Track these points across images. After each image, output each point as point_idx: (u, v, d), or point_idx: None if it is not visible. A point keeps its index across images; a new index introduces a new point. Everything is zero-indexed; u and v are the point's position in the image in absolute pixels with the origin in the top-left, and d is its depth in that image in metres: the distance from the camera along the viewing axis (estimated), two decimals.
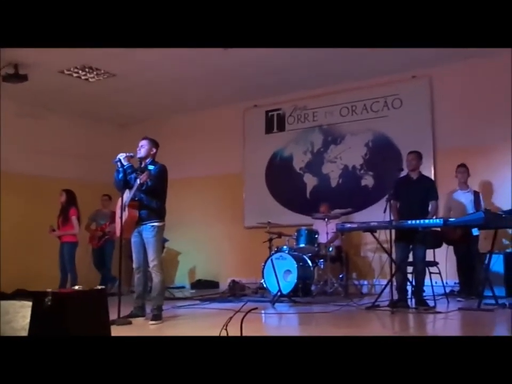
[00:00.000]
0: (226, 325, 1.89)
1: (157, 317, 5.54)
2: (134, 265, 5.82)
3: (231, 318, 1.91)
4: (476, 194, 7.48)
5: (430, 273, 6.95)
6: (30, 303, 2.67)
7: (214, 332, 4.73)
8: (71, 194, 8.40)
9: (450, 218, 6.99)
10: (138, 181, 5.45)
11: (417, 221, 6.08)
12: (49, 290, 2.53)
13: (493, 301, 6.11)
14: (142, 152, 5.82)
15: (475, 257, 7.23)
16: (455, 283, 7.70)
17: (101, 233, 9.27)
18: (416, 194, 6.46)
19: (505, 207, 7.02)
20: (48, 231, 8.37)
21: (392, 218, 6.18)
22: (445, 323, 5.46)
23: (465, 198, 7.39)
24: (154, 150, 5.87)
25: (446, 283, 7.40)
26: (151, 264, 5.65)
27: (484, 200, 7.60)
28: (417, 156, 6.60)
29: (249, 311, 2.16)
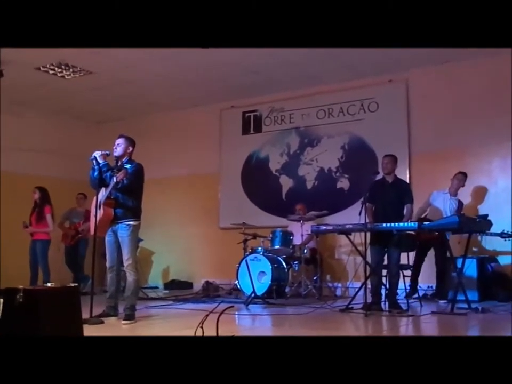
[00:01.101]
0: (202, 323, 1.86)
1: (130, 316, 5.47)
2: (108, 264, 5.74)
3: (207, 316, 1.88)
4: (459, 203, 7.55)
5: (404, 276, 6.99)
6: (1, 300, 2.60)
7: (188, 332, 4.71)
8: (45, 192, 8.32)
9: (425, 216, 7.09)
10: (114, 179, 5.38)
11: (392, 224, 6.11)
12: (20, 287, 2.47)
13: (465, 305, 6.15)
14: (118, 151, 5.74)
15: (447, 261, 7.33)
16: (428, 287, 7.76)
17: (74, 231, 9.16)
18: (391, 197, 6.49)
19: (480, 211, 7.09)
20: (22, 227, 8.26)
21: (367, 221, 6.20)
22: (418, 326, 5.48)
23: (450, 205, 7.38)
24: (130, 149, 5.80)
25: (419, 286, 7.45)
26: (125, 263, 5.58)
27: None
28: (393, 159, 6.63)
29: (225, 309, 2.13)
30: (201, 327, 1.84)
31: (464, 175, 7.45)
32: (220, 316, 1.94)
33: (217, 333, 1.91)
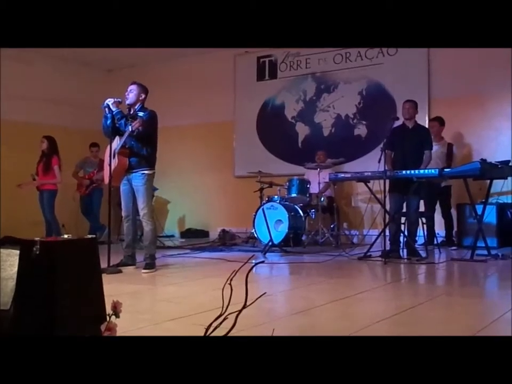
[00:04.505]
0: (231, 280, 1.78)
1: (150, 265, 5.47)
2: (123, 214, 5.70)
3: (236, 271, 1.79)
4: (449, 146, 7.40)
5: (423, 223, 6.92)
6: (17, 252, 2.55)
7: (206, 282, 4.72)
8: (53, 142, 8.11)
9: None
10: (130, 128, 5.26)
11: (412, 171, 6.00)
12: (37, 239, 2.40)
13: (485, 252, 6.08)
14: (131, 98, 5.61)
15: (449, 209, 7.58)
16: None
17: (88, 181, 9.12)
18: (411, 143, 6.34)
19: (501, 157, 6.90)
20: (30, 181, 8.18)
21: (386, 168, 6.08)
22: (438, 273, 5.43)
23: (435, 150, 6.93)
24: (143, 96, 5.67)
25: (438, 233, 7.39)
26: (141, 213, 5.54)
27: (457, 151, 7.71)
28: (414, 104, 6.46)
29: (255, 265, 2.05)
30: (230, 284, 1.76)
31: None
32: (249, 272, 1.86)
33: (246, 290, 1.84)
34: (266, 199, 8.12)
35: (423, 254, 6.30)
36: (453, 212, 7.64)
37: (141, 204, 5.52)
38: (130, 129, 5.25)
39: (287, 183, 8.13)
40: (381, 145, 6.31)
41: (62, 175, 8.18)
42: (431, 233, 7.27)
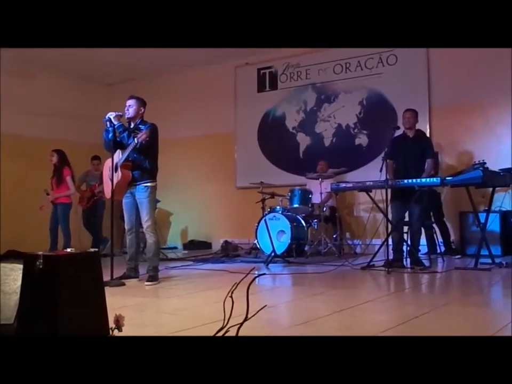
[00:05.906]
0: (232, 292, 1.78)
1: (153, 277, 5.46)
2: (126, 226, 5.69)
3: (237, 284, 1.79)
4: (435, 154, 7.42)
5: (425, 232, 6.91)
6: (21, 266, 2.55)
7: (209, 293, 4.71)
8: (63, 154, 8.21)
9: None
10: (135, 141, 5.26)
11: (414, 180, 5.99)
12: (40, 253, 2.41)
13: (489, 260, 6.06)
14: (130, 113, 5.61)
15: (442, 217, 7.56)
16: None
17: (90, 194, 9.14)
18: (413, 152, 6.34)
19: (503, 165, 6.90)
20: (46, 199, 8.18)
21: (388, 177, 6.07)
22: (442, 283, 5.42)
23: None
24: (142, 110, 5.68)
25: (441, 242, 7.38)
26: (144, 225, 5.53)
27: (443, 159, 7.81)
28: (414, 113, 6.46)
29: (256, 277, 2.05)
30: (231, 297, 1.76)
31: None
32: (250, 284, 1.86)
33: (247, 303, 1.84)
34: (269, 209, 8.12)
35: (426, 263, 6.28)
36: (445, 220, 7.66)
37: (144, 216, 5.52)
38: (136, 142, 5.24)
39: (289, 194, 8.13)
40: (382, 155, 6.31)
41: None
42: (432, 242, 7.25)
